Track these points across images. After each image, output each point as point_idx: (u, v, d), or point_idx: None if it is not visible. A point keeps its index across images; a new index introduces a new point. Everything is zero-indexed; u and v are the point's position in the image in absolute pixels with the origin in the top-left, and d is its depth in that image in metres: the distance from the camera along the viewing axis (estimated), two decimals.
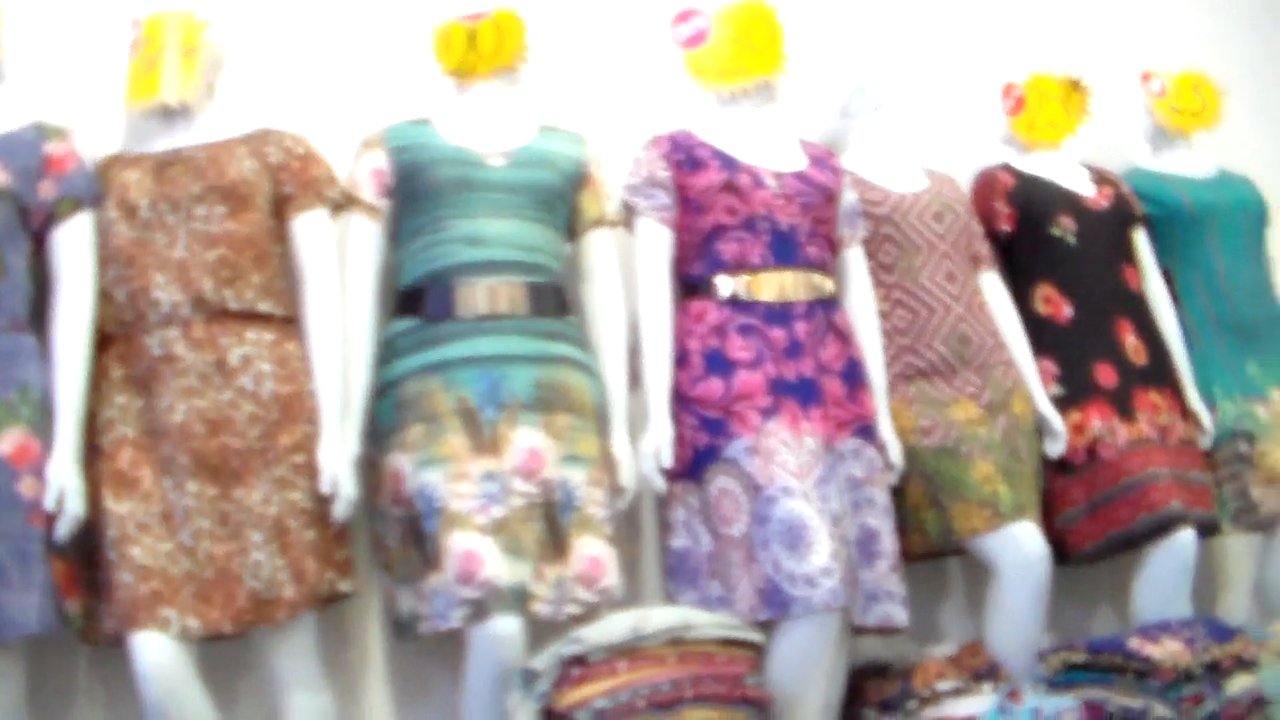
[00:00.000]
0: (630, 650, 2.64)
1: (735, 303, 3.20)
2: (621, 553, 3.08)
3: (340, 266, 3.08)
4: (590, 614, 2.94)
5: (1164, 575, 3.52)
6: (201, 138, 3.06)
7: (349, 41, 3.46)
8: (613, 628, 2.67)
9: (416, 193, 3.10)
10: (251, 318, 2.95)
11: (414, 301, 3.08)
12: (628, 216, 3.31)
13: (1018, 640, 3.35)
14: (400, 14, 3.46)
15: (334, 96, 3.38)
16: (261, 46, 3.35)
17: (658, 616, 2.71)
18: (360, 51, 3.46)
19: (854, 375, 3.27)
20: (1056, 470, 3.60)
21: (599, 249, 3.27)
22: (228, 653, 2.96)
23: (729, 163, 3.27)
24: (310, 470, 2.89)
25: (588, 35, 3.69)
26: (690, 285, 3.29)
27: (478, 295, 3.04)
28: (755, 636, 2.82)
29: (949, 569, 3.76)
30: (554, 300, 3.11)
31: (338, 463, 2.89)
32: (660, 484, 3.13)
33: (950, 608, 3.77)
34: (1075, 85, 3.94)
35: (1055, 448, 3.59)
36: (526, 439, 2.97)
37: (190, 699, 2.72)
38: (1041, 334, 3.69)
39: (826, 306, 3.27)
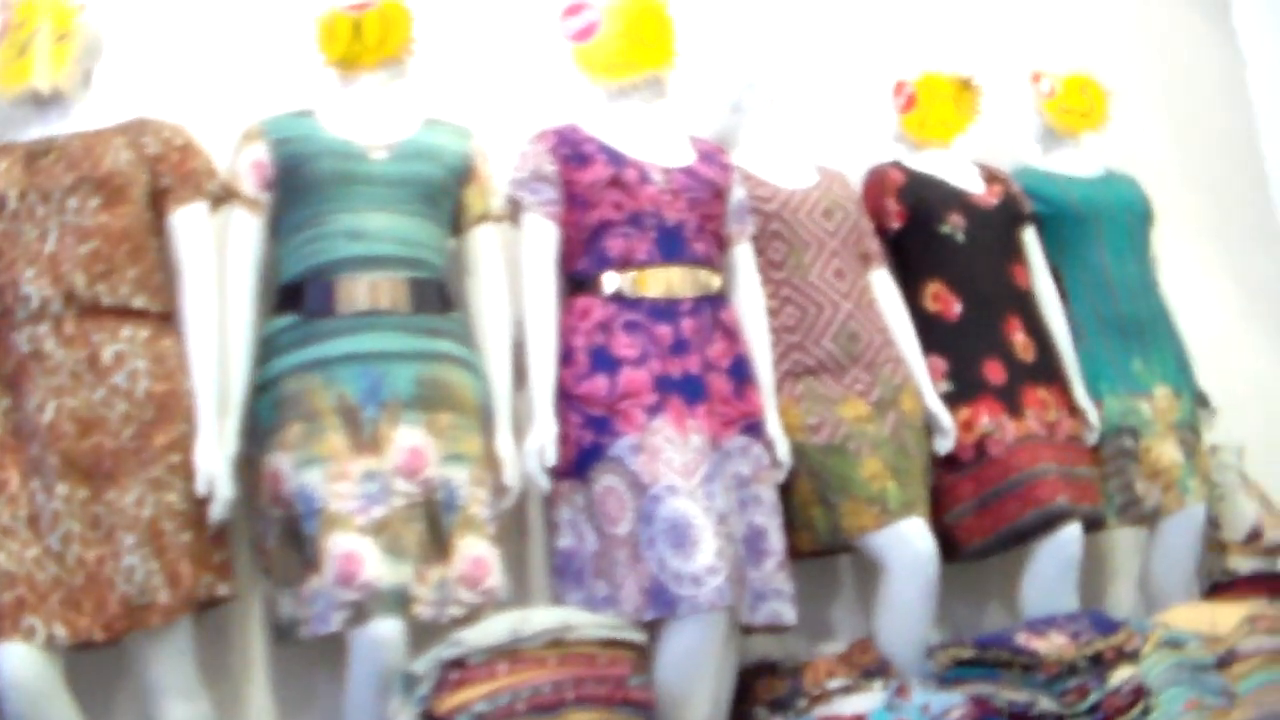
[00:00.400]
0: (510, 652, 2.59)
1: (620, 299, 3.17)
2: (507, 553, 3.04)
3: (219, 261, 3.01)
4: (474, 615, 2.87)
5: (1051, 570, 3.54)
6: (76, 127, 2.96)
7: (232, 29, 3.37)
8: (492, 630, 2.62)
9: (297, 186, 3.03)
10: (126, 314, 2.86)
11: (294, 297, 3.01)
12: (513, 211, 3.27)
13: (907, 637, 3.34)
14: (287, 1, 3.38)
15: (216, 86, 3.29)
16: (141, 32, 3.25)
17: (538, 618, 2.67)
18: (244, 40, 3.37)
19: (741, 372, 3.25)
20: (945, 467, 3.60)
21: (484, 244, 3.22)
22: (103, 660, 2.88)
23: (616, 158, 3.24)
24: (186, 471, 2.81)
25: (476, 27, 3.64)
26: (576, 282, 3.25)
27: (358, 291, 2.98)
28: (637, 637, 2.79)
29: (839, 566, 3.76)
30: (437, 296, 3.06)
31: (214, 462, 2.83)
32: (545, 483, 3.09)
33: (841, 605, 3.76)
34: (966, 84, 3.95)
35: (944, 444, 3.59)
36: (408, 438, 2.91)
37: (56, 711, 2.63)
38: (931, 331, 3.70)
39: (713, 303, 3.25)
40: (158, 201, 2.97)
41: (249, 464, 2.97)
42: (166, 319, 2.93)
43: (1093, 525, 3.73)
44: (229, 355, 2.96)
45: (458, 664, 2.57)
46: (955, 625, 3.85)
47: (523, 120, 3.42)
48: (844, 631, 3.69)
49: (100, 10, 3.04)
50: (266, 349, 3.01)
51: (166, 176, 2.96)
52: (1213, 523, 4.05)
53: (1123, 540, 4.19)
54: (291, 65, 3.30)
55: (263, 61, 3.36)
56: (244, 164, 3.06)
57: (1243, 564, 4.01)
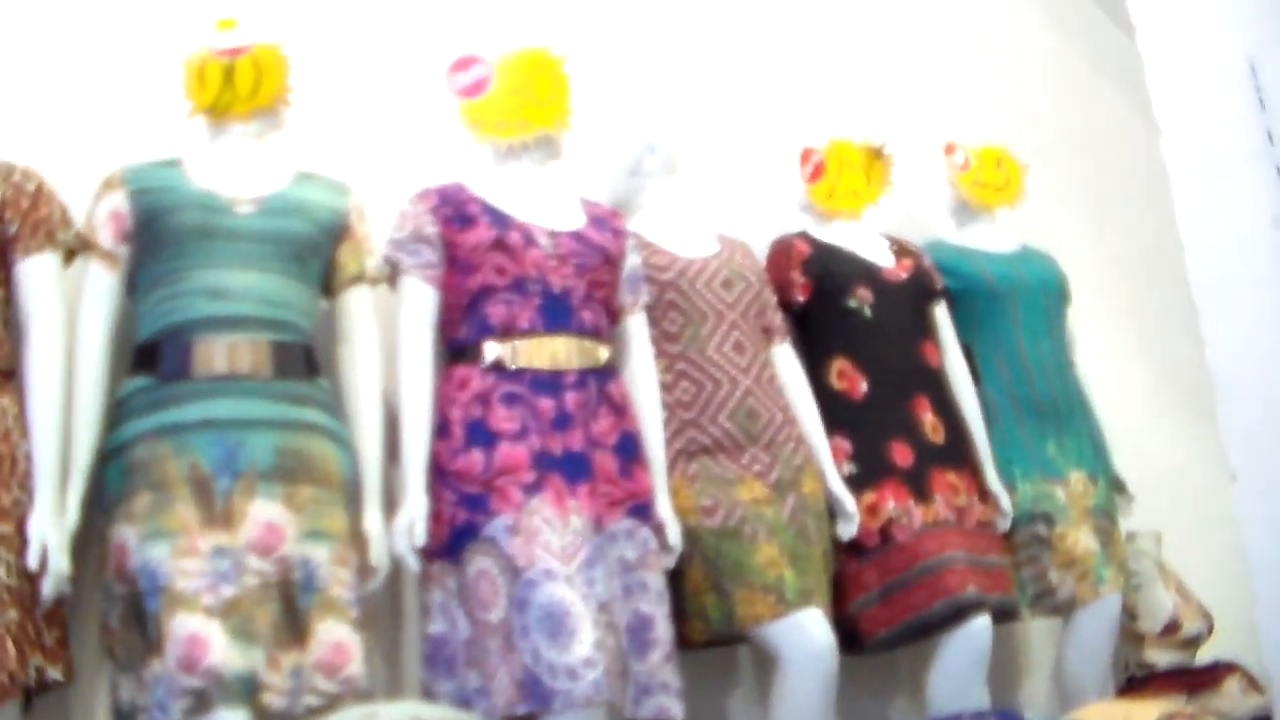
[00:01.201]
0: None
1: (500, 369, 2.99)
2: (379, 638, 2.83)
3: (71, 317, 2.80)
4: (331, 706, 2.65)
5: (959, 663, 3.35)
6: None
7: (101, 70, 3.19)
8: None
9: (156, 239, 2.84)
10: None
11: (149, 358, 2.81)
12: (391, 274, 3.08)
13: None
14: (160, 43, 3.18)
15: (83, 131, 3.10)
16: (2, 71, 3.07)
17: (387, 713, 2.44)
18: (114, 82, 3.18)
19: (629, 450, 3.06)
20: (849, 554, 3.42)
21: (357, 307, 3.04)
22: None
23: (500, 219, 3.06)
24: (17, 542, 2.59)
25: (359, 77, 3.48)
26: (456, 350, 3.06)
27: (216, 353, 2.78)
28: None
29: (737, 656, 3.56)
30: (302, 361, 2.86)
31: (49, 534, 2.60)
32: (414, 563, 2.89)
33: (739, 697, 3.56)
34: (877, 153, 3.82)
35: (848, 530, 3.41)
36: (264, 512, 2.70)
37: None
38: (836, 410, 3.53)
39: (601, 376, 3.06)
40: (3, 250, 2.77)
41: (98, 537, 2.75)
42: (4, 376, 2.73)
43: (1005, 616, 3.56)
44: (75, 418, 2.75)
45: None
46: None
47: (407, 176, 3.24)
48: None
49: None
50: (118, 412, 2.80)
51: (14, 223, 2.77)
52: (1129, 613, 3.89)
53: (1036, 631, 4.02)
54: (166, 109, 3.10)
55: (135, 105, 3.17)
56: (101, 214, 2.87)
57: (1160, 656, 3.85)
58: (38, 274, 2.78)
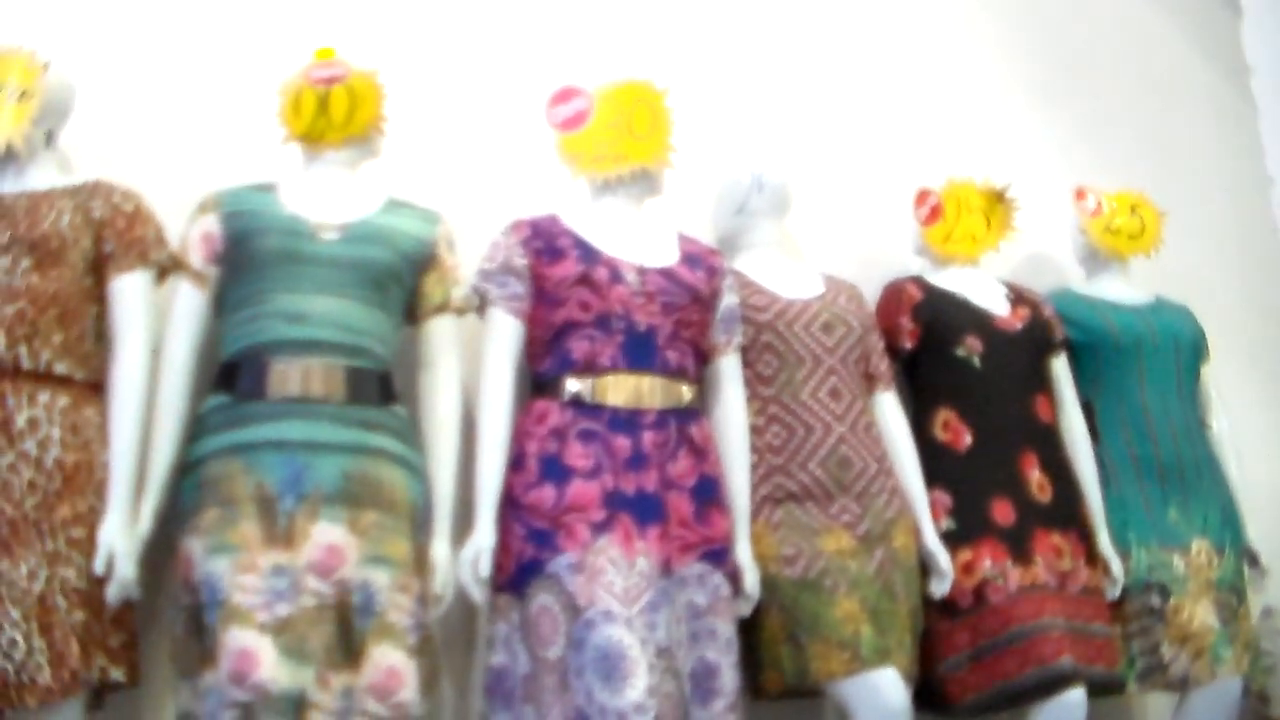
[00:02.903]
0: None
1: (579, 405, 2.96)
2: (446, 666, 2.82)
3: (159, 334, 2.88)
4: None
5: None
6: (29, 186, 2.89)
7: (204, 95, 3.28)
8: None
9: (243, 262, 2.90)
10: (45, 379, 2.75)
11: (229, 377, 2.86)
12: (480, 304, 3.08)
13: None
14: (261, 69, 3.26)
15: (187, 154, 3.20)
16: (110, 96, 3.18)
17: None
18: (220, 107, 3.28)
19: (707, 494, 2.99)
20: (941, 612, 3.29)
21: (439, 336, 3.04)
22: None
23: (589, 254, 3.04)
24: (88, 547, 2.67)
25: (456, 106, 3.50)
26: (538, 383, 3.05)
27: (291, 376, 2.82)
28: None
29: (822, 707, 3.44)
30: (376, 387, 2.88)
31: (118, 540, 2.68)
32: (477, 594, 2.87)
33: None
34: (999, 196, 3.68)
35: (940, 587, 3.28)
36: (326, 534, 2.72)
37: None
38: (938, 462, 3.41)
39: (682, 416, 3.01)
40: (99, 267, 2.87)
41: (172, 547, 2.81)
42: (93, 388, 2.82)
43: (1109, 689, 3.37)
44: (156, 432, 2.82)
45: None
46: None
47: (504, 206, 3.25)
48: None
49: (69, 69, 2.97)
50: (197, 428, 2.86)
51: (110, 242, 2.87)
52: (1261, 698, 3.66)
53: (1156, 705, 3.80)
54: (265, 136, 3.17)
55: (238, 130, 3.25)
56: (195, 235, 2.95)
57: None
58: (129, 291, 2.87)
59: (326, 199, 2.99)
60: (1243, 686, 3.53)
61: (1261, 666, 3.66)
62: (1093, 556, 3.47)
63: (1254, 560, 3.73)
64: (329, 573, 2.70)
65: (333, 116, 3.01)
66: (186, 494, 2.81)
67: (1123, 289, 3.87)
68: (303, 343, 2.84)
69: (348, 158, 3.05)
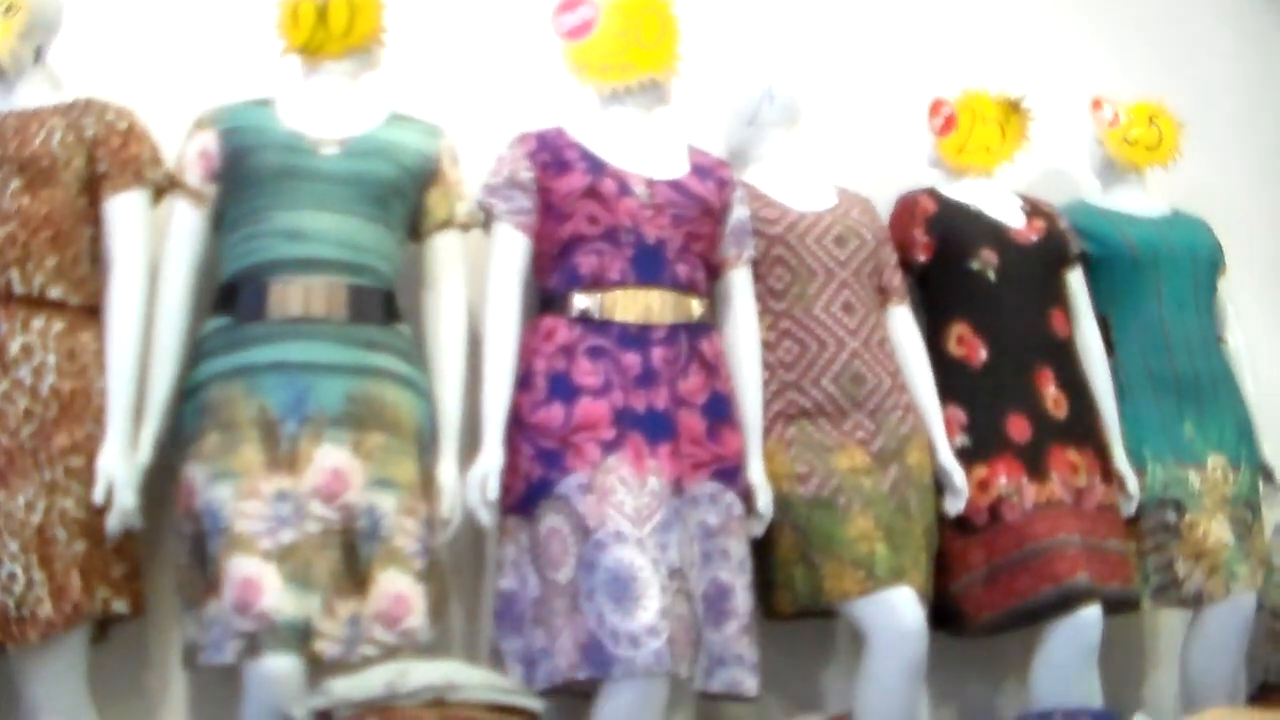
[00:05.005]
0: (383, 709, 2.32)
1: (587, 321, 2.89)
2: (454, 591, 2.78)
3: (156, 255, 2.81)
4: (389, 657, 2.61)
5: (1065, 654, 3.16)
6: (18, 104, 2.80)
7: (198, 8, 3.19)
8: (367, 682, 2.36)
9: (241, 179, 2.82)
10: (39, 304, 2.68)
11: (228, 299, 2.80)
12: (485, 219, 3.01)
13: (888, 717, 2.98)
14: None
15: (180, 70, 3.10)
16: (101, 10, 3.08)
17: (419, 672, 2.39)
18: (213, 20, 3.18)
19: (719, 411, 2.94)
20: (956, 530, 3.24)
21: (444, 253, 2.97)
22: None
23: (596, 166, 2.96)
24: (87, 476, 2.61)
25: (459, 16, 3.39)
26: (545, 300, 2.99)
27: (291, 295, 2.75)
28: (530, 703, 2.50)
29: (836, 628, 3.41)
30: (379, 306, 2.81)
31: (117, 469, 2.63)
32: (485, 517, 2.82)
33: (833, 671, 3.41)
34: (1014, 106, 3.60)
35: (955, 505, 3.23)
36: (330, 458, 2.67)
37: None
38: (952, 378, 3.34)
39: (693, 332, 2.95)
40: (93, 187, 2.79)
41: (172, 473, 2.76)
42: (89, 312, 2.75)
43: (1123, 606, 3.34)
44: (155, 356, 2.77)
45: (324, 716, 2.31)
46: (966, 705, 3.51)
47: (509, 119, 3.16)
48: (834, 701, 3.35)
49: None
50: (197, 352, 2.80)
51: (104, 161, 2.79)
52: (1275, 613, 3.62)
53: (1168, 622, 3.77)
54: (264, 48, 3.07)
55: (233, 44, 3.16)
56: (191, 153, 2.87)
57: None
58: (125, 212, 2.79)
59: (326, 113, 2.90)
60: (1257, 602, 3.49)
61: (1275, 582, 3.62)
62: (1108, 473, 3.42)
63: (1269, 476, 3.69)
64: (334, 497, 2.65)
65: (332, 27, 2.91)
66: (187, 419, 2.75)
67: (1139, 201, 3.79)
68: (303, 261, 2.76)
69: (348, 70, 2.95)
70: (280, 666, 2.50)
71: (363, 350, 2.76)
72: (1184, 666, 3.51)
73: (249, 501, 2.59)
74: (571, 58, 3.10)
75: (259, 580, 2.53)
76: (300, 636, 2.54)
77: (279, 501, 2.61)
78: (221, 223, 2.86)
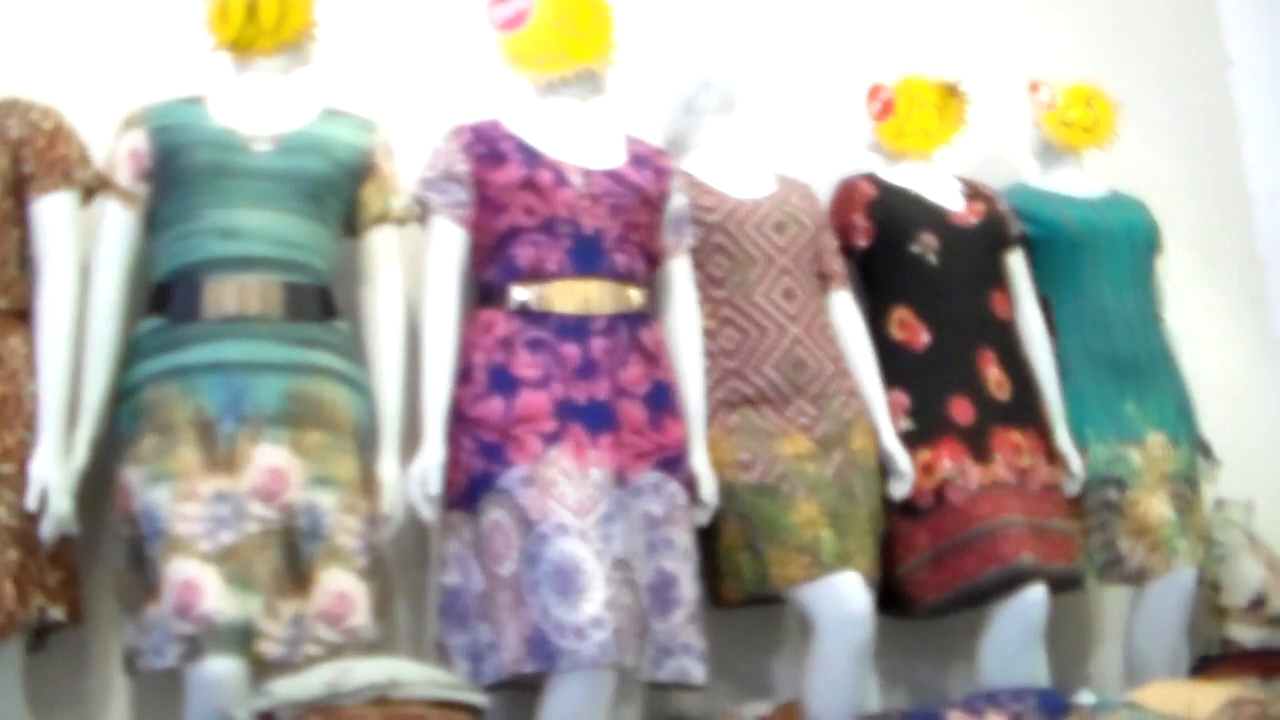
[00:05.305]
0: (326, 709, 2.30)
1: (526, 314, 2.88)
2: (398, 588, 2.77)
3: (87, 257, 2.77)
4: (333, 656, 2.59)
5: (1011, 634, 3.19)
6: None
7: (125, 5, 3.14)
8: (309, 682, 2.34)
9: (173, 178, 2.78)
10: None
11: (162, 299, 2.76)
12: (421, 213, 2.99)
13: (836, 702, 2.99)
14: None
15: (108, 68, 3.06)
16: (25, 9, 3.03)
17: (361, 671, 2.37)
18: (140, 17, 3.14)
19: (660, 400, 2.93)
20: (901, 514, 3.26)
21: (380, 247, 2.94)
22: None
23: (532, 157, 2.94)
24: (19, 482, 2.57)
25: (392, 9, 3.36)
26: (484, 293, 2.97)
27: (226, 294, 2.72)
28: (475, 698, 2.49)
29: (784, 614, 3.41)
30: (316, 303, 2.78)
31: (50, 474, 2.58)
32: (428, 512, 2.81)
33: (783, 658, 3.42)
34: (951, 90, 3.60)
35: (899, 489, 3.25)
36: (269, 457, 2.64)
37: None
38: (894, 362, 3.36)
39: (633, 321, 2.93)
40: (19, 189, 2.74)
41: (109, 477, 2.73)
42: (17, 316, 2.71)
43: (1067, 585, 3.37)
44: (88, 359, 2.72)
45: (266, 718, 2.29)
46: (915, 687, 3.52)
47: (444, 112, 3.14)
48: (783, 687, 3.36)
49: None
50: (131, 353, 2.76)
51: (29, 162, 2.74)
52: (1213, 586, 3.67)
53: (1112, 600, 3.80)
54: (194, 45, 3.04)
55: (161, 41, 3.11)
56: (121, 152, 2.83)
57: (1244, 633, 3.61)
58: (53, 213, 2.74)
59: (258, 110, 2.86)
60: (1197, 576, 3.53)
61: (1214, 556, 3.67)
62: (1052, 453, 3.45)
63: (1207, 452, 3.72)
64: (273, 497, 2.63)
65: (262, 22, 2.87)
66: (123, 422, 2.72)
67: (1078, 183, 3.81)
68: (238, 259, 2.74)
69: (280, 66, 2.91)
70: (222, 669, 2.47)
71: (300, 348, 2.74)
72: (1128, 642, 3.55)
73: (187, 503, 2.57)
74: (506, 49, 3.07)
75: (199, 582, 2.51)
76: (242, 638, 2.51)
77: (218, 502, 2.58)
78: (153, 222, 2.82)
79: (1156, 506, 3.47)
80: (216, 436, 2.64)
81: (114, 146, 2.83)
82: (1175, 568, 3.44)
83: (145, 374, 2.71)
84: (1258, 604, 3.61)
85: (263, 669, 2.54)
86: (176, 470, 2.60)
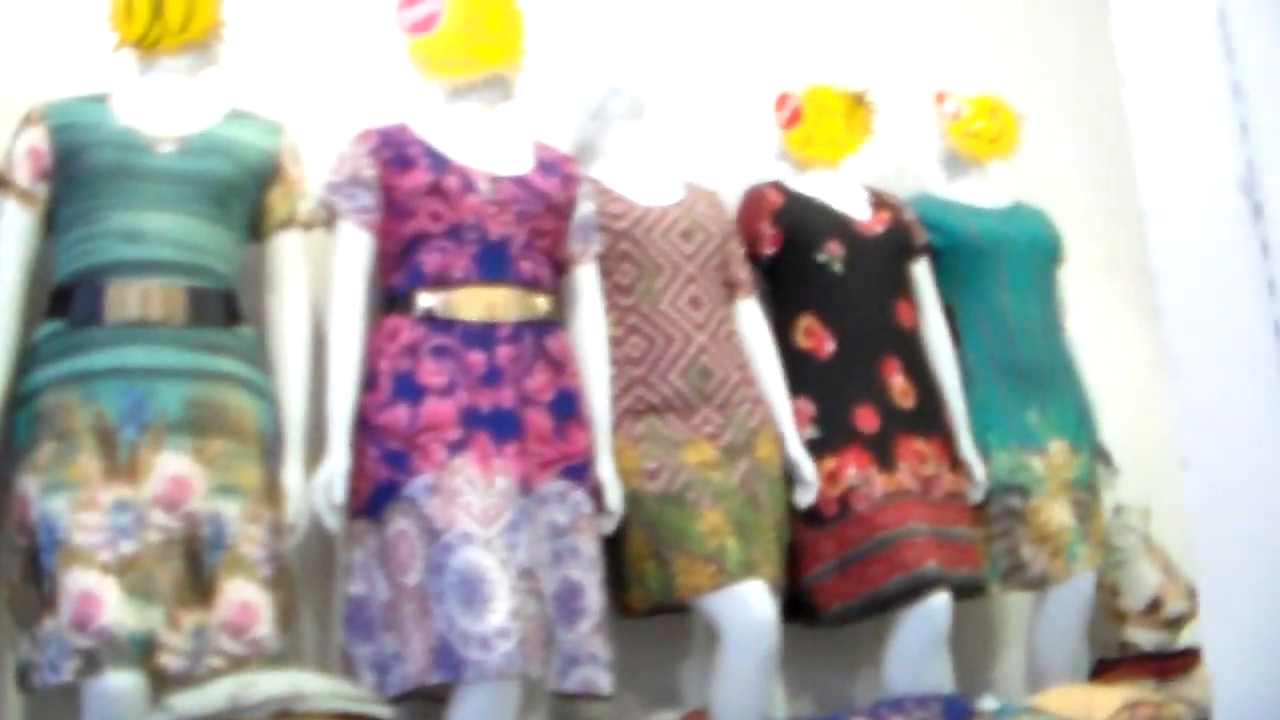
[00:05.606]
0: None
1: (432, 320, 2.86)
2: (292, 598, 2.73)
3: None
4: (237, 668, 2.56)
5: (915, 640, 3.22)
6: None
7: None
8: (210, 696, 2.31)
9: (74, 178, 2.72)
10: None
11: (62, 303, 2.70)
12: (328, 218, 2.95)
13: (743, 710, 2.99)
14: None
15: (6, 63, 2.98)
16: None
17: (264, 683, 2.34)
18: (45, 12, 3.06)
19: (566, 408, 2.92)
20: (807, 522, 3.28)
21: (286, 252, 2.91)
22: None
23: (439, 162, 2.92)
24: None
25: (302, 10, 3.31)
26: (390, 299, 2.94)
27: (129, 299, 2.67)
28: (379, 710, 2.47)
29: (691, 623, 3.41)
30: (220, 308, 2.74)
31: None
32: (332, 521, 2.78)
33: (691, 666, 3.42)
34: (859, 100, 3.63)
35: (805, 497, 3.26)
36: (171, 465, 2.60)
37: None
38: (800, 370, 3.37)
39: (539, 329, 2.92)
40: None
41: (5, 486, 2.66)
42: None
43: (972, 591, 3.40)
44: None
45: None
46: (822, 695, 3.53)
47: (353, 116, 3.10)
48: (691, 696, 3.36)
49: None
50: (30, 359, 2.70)
51: None
52: (1112, 590, 3.73)
53: (1015, 606, 3.85)
54: (94, 42, 2.97)
55: (63, 37, 3.04)
56: (20, 150, 2.76)
57: (1141, 635, 3.68)
58: None
59: (163, 110, 2.81)
60: (1095, 581, 3.59)
61: (1113, 561, 3.73)
62: (956, 461, 3.49)
63: (1107, 459, 3.78)
64: (175, 505, 2.59)
65: (169, 21, 2.82)
66: (20, 429, 2.65)
67: (982, 192, 3.86)
68: (140, 263, 2.69)
69: (186, 65, 2.86)
70: (121, 684, 2.42)
71: (203, 354, 2.70)
72: (1029, 647, 3.60)
73: (86, 513, 2.51)
74: (415, 53, 3.05)
75: (98, 594, 2.46)
76: (142, 651, 2.46)
77: (118, 512, 2.54)
78: (54, 224, 2.76)
79: (1058, 513, 3.52)
80: (117, 444, 2.59)
81: (12, 144, 2.77)
82: (1075, 574, 3.49)
83: (44, 380, 2.65)
84: (1154, 607, 3.68)
85: (163, 682, 2.49)
86: (76, 479, 2.54)
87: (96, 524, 2.51)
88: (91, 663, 2.43)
